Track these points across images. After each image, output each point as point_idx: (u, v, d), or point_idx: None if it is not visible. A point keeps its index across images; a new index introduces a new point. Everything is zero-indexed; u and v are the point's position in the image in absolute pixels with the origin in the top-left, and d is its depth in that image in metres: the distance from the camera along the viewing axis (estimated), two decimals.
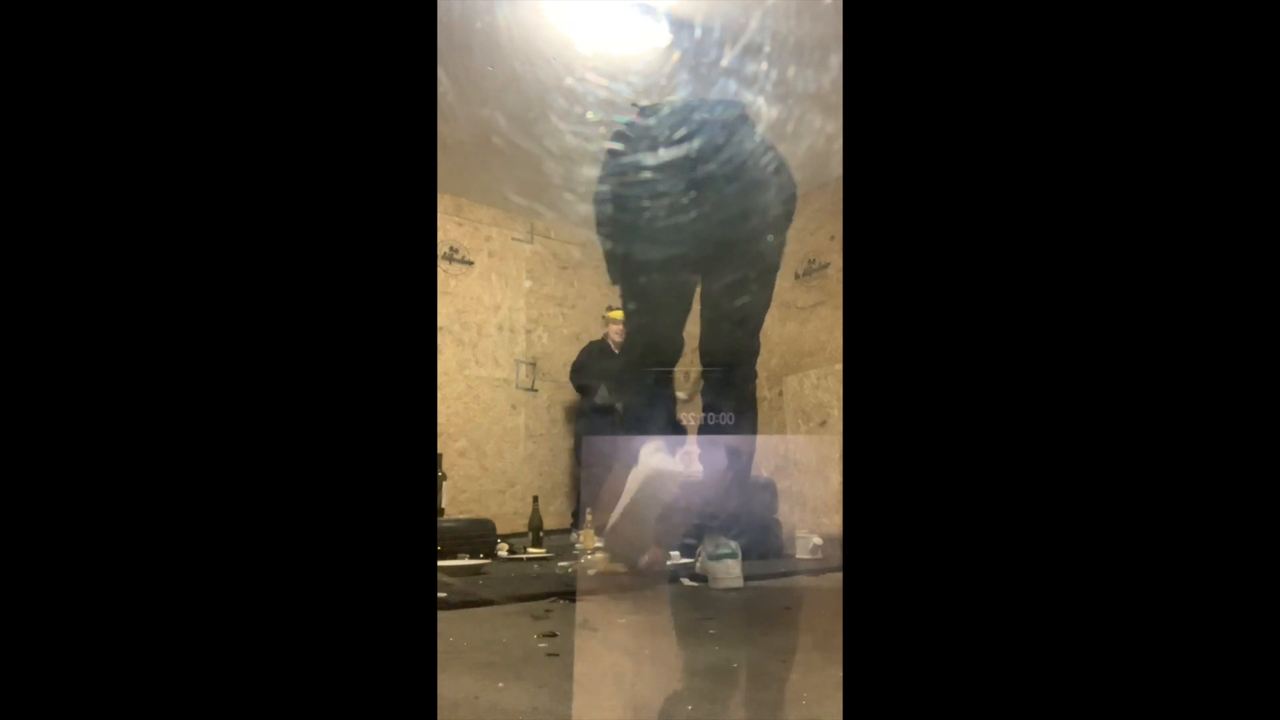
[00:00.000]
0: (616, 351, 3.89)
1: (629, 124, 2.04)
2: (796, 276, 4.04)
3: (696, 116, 1.98)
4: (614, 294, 4.60)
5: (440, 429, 3.75)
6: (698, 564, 1.93)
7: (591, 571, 2.12)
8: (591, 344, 4.14)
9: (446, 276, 3.96)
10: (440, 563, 2.24)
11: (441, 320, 3.88)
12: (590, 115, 2.94)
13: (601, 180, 2.09)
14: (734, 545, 1.82)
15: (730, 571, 1.80)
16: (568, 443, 4.36)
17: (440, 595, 1.68)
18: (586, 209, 3.80)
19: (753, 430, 2.14)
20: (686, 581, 2.00)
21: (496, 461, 4.05)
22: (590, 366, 3.94)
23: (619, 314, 3.94)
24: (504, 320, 4.18)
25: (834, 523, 3.25)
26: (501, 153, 3.32)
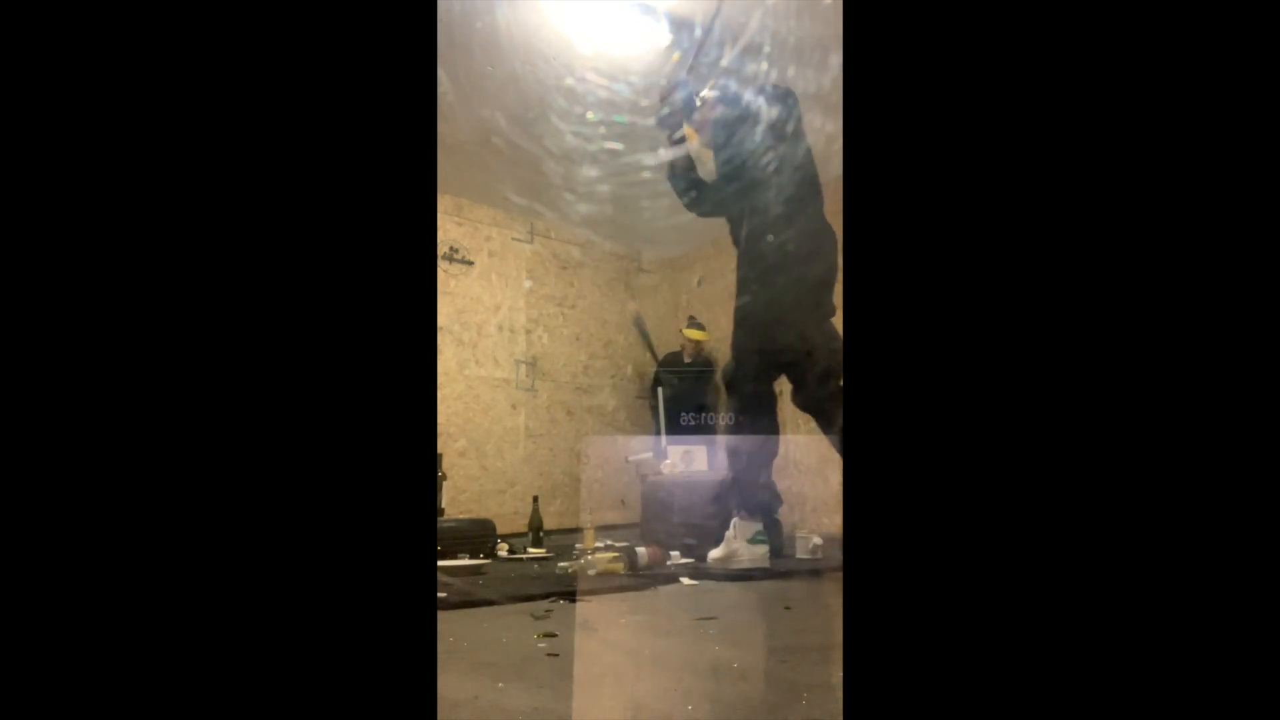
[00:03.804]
0: (687, 360, 4.39)
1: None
2: None
3: None
4: (614, 301, 4.63)
5: (440, 429, 3.75)
6: (723, 547, 2.25)
7: (591, 571, 2.12)
8: (670, 354, 4.52)
9: (446, 276, 3.96)
10: (440, 563, 2.24)
11: (441, 320, 3.87)
12: (590, 115, 2.93)
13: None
14: (765, 533, 2.24)
15: (762, 554, 2.20)
16: (568, 443, 4.36)
17: (440, 595, 1.68)
18: (586, 209, 3.80)
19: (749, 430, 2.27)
20: (686, 581, 2.00)
21: (496, 461, 4.05)
22: (671, 364, 4.43)
23: (694, 333, 4.36)
24: (504, 320, 4.17)
25: (834, 523, 3.25)
26: (501, 153, 3.32)
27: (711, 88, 2.28)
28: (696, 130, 2.27)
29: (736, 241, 2.28)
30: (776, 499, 2.42)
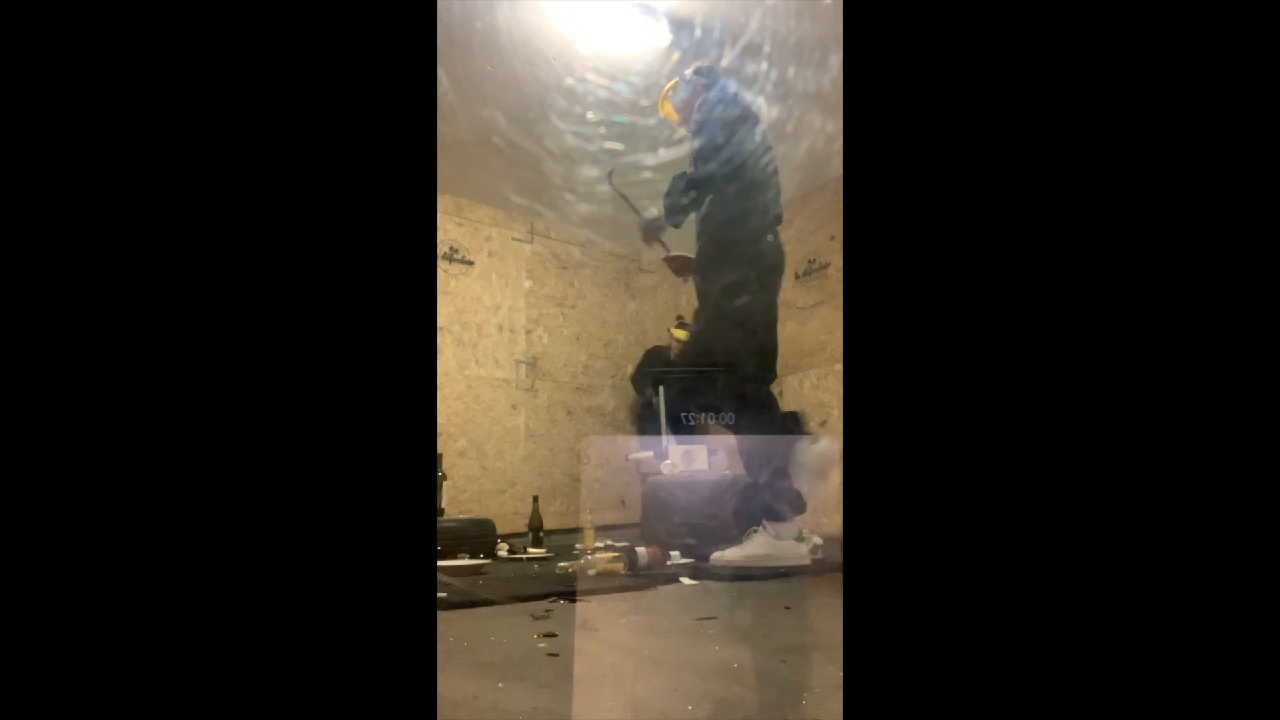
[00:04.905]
0: (673, 358, 4.35)
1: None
2: (797, 276, 4.03)
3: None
4: (614, 301, 4.63)
5: (440, 429, 3.75)
6: (760, 544, 2.29)
7: (591, 571, 2.12)
8: (655, 348, 4.46)
9: (446, 276, 3.96)
10: (440, 563, 2.24)
11: (441, 320, 3.87)
12: (590, 115, 2.93)
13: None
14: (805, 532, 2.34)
15: (807, 552, 2.28)
16: (568, 443, 4.36)
17: (440, 595, 1.68)
18: (587, 209, 3.80)
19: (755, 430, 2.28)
20: (686, 581, 2.00)
21: (496, 461, 4.05)
22: (655, 363, 4.36)
23: (681, 333, 4.31)
24: (504, 320, 4.17)
25: (834, 523, 3.25)
26: (501, 153, 3.32)
27: (695, 71, 2.33)
28: (676, 111, 2.34)
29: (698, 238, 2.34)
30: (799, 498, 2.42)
